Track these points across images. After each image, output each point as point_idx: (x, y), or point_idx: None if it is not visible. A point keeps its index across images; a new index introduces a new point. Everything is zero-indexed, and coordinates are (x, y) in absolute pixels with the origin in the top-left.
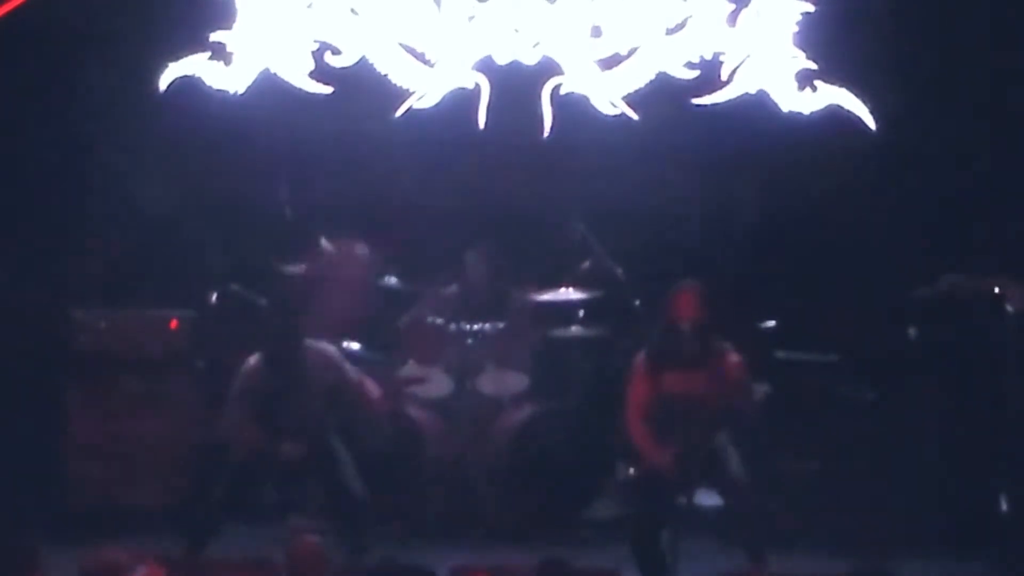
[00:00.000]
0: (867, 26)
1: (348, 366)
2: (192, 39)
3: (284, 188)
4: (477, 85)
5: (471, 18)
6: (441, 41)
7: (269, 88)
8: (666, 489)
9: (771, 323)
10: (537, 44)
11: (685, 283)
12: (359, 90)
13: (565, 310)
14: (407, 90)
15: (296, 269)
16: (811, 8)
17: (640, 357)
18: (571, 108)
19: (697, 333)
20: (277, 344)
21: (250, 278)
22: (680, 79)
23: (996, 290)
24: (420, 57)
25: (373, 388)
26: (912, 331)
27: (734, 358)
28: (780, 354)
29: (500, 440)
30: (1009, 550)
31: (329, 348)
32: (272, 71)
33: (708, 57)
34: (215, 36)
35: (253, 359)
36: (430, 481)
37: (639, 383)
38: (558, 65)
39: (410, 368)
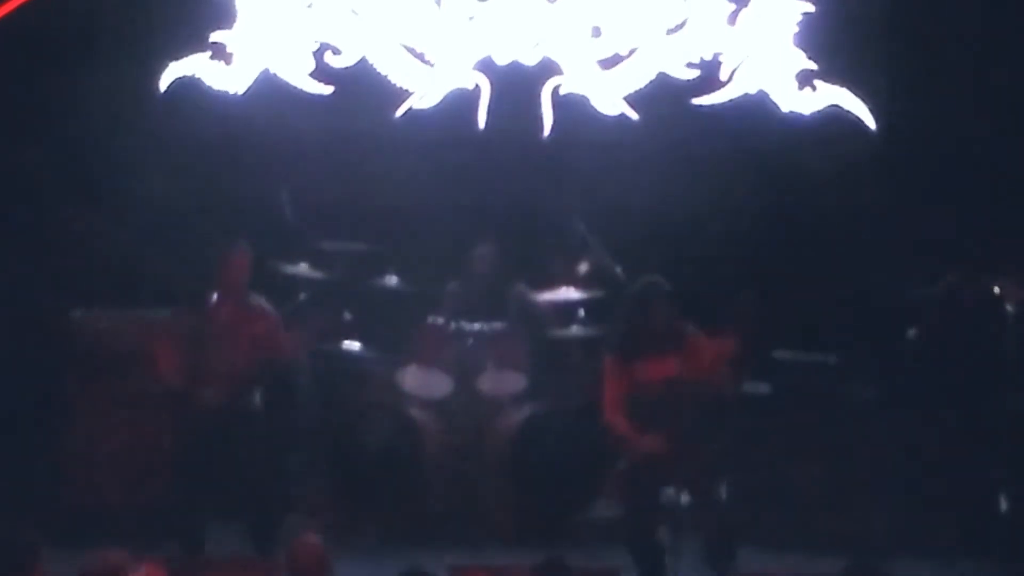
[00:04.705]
0: (867, 26)
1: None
2: (192, 39)
3: (284, 188)
4: (477, 85)
5: (471, 18)
6: (441, 41)
7: (269, 88)
8: (658, 479)
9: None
10: (537, 44)
11: (650, 279)
12: (359, 90)
13: (565, 310)
14: (407, 90)
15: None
16: (811, 8)
17: (608, 353)
18: (571, 108)
19: (665, 322)
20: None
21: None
22: (680, 79)
23: (996, 290)
24: (420, 57)
25: (286, 337)
26: (912, 331)
27: (705, 340)
28: (780, 354)
29: (500, 440)
30: (1009, 550)
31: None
32: (272, 71)
33: (708, 57)
34: (215, 36)
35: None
36: (430, 481)
37: (611, 377)
38: (558, 65)
39: (411, 368)
